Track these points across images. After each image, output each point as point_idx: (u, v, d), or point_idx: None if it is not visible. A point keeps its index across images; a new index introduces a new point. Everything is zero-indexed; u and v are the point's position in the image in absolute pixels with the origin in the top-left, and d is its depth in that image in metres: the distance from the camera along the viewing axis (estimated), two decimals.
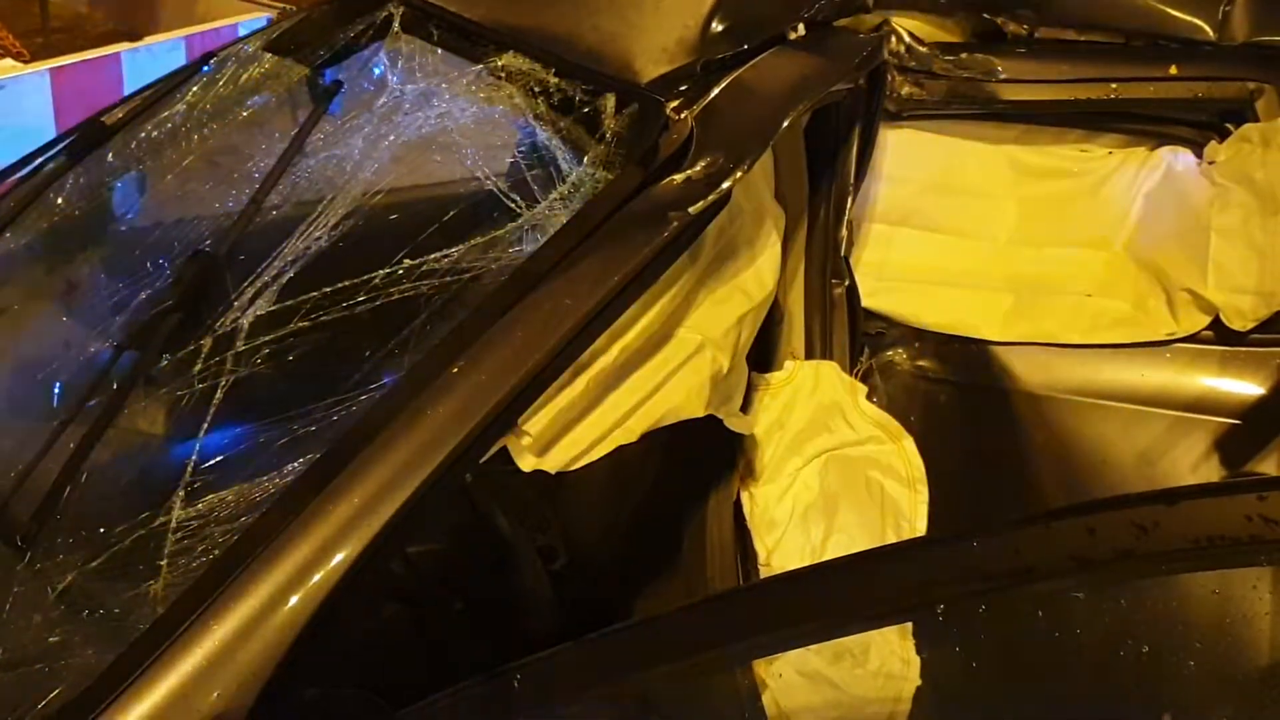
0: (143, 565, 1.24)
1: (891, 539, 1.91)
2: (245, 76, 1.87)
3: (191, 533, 1.25)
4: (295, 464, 1.26)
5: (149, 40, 4.21)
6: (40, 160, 1.93)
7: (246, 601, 1.14)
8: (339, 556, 1.15)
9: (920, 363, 2.25)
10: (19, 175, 1.94)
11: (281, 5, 4.76)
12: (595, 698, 1.08)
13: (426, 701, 1.09)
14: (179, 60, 4.19)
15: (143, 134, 1.87)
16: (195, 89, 1.91)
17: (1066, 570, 0.87)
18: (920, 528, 1.89)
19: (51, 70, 3.76)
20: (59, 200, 1.83)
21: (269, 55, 1.92)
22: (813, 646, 1.90)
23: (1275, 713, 1.23)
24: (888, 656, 1.90)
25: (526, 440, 1.35)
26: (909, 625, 1.92)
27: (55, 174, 1.87)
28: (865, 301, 2.13)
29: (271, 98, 1.79)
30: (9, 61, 4.47)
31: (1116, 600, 1.05)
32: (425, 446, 1.21)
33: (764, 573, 1.91)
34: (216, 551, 1.22)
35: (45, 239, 1.78)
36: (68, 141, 1.94)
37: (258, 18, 4.71)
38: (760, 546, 1.93)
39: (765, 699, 1.83)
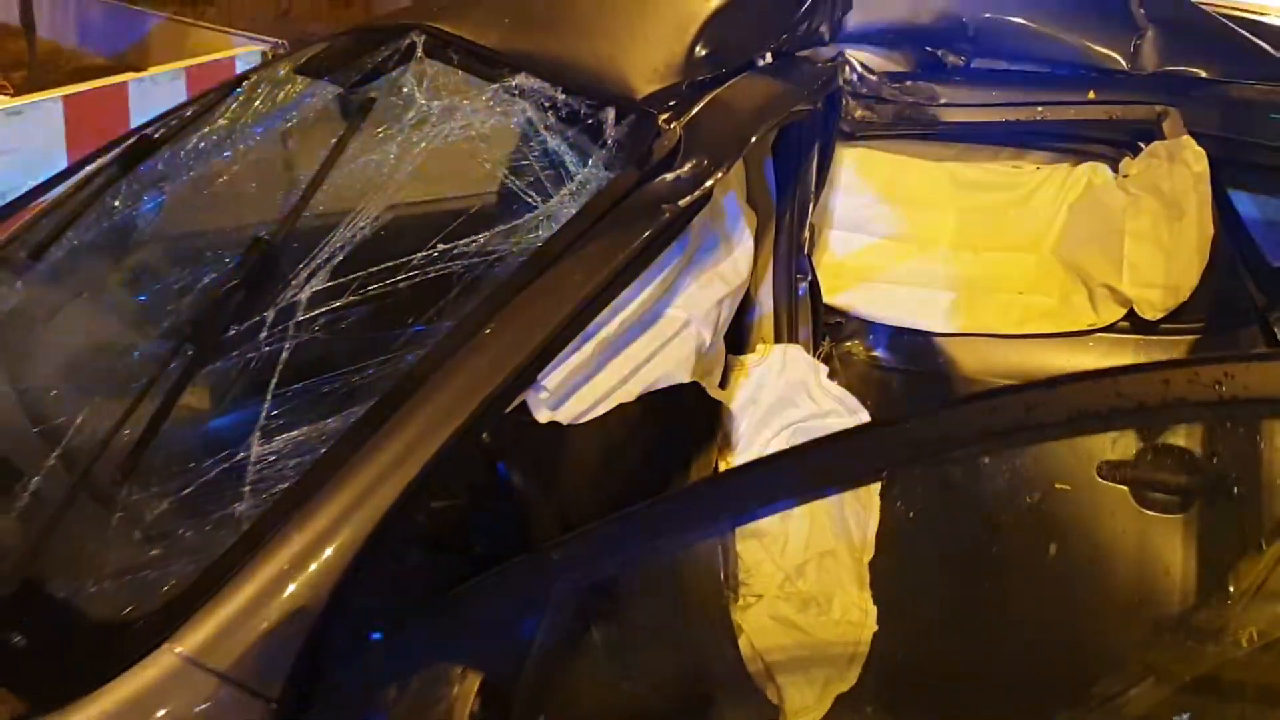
0: (228, 493, 1.48)
1: (849, 500, 2.16)
2: (281, 95, 2.12)
3: (269, 465, 1.48)
4: (355, 408, 1.50)
5: (153, 71, 4.44)
6: (92, 168, 2.16)
7: (320, 517, 1.36)
8: (398, 480, 1.39)
9: (874, 353, 2.51)
10: (70, 182, 2.17)
11: (273, 40, 5.03)
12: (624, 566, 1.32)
13: (480, 577, 1.33)
14: (180, 89, 4.44)
15: (189, 146, 2.11)
16: (234, 107, 2.15)
17: (975, 439, 1.13)
18: (874, 489, 2.15)
19: (64, 98, 3.98)
20: (115, 203, 2.06)
21: (300, 77, 2.17)
22: (781, 596, 2.15)
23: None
24: (849, 607, 2.15)
25: (544, 395, 1.59)
26: (867, 579, 2.18)
27: (109, 182, 2.10)
28: (825, 298, 2.40)
29: (309, 113, 2.04)
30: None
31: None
32: (465, 392, 1.45)
33: (738, 532, 2.16)
34: (293, 478, 1.44)
35: (108, 237, 2.01)
36: (117, 153, 2.17)
37: (251, 51, 4.98)
38: None
39: (742, 641, 2.07)
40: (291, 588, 1.34)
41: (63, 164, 3.84)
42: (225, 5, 11.41)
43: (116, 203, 2.05)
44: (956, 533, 2.12)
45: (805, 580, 2.13)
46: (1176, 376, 1.05)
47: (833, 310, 2.45)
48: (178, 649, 1.29)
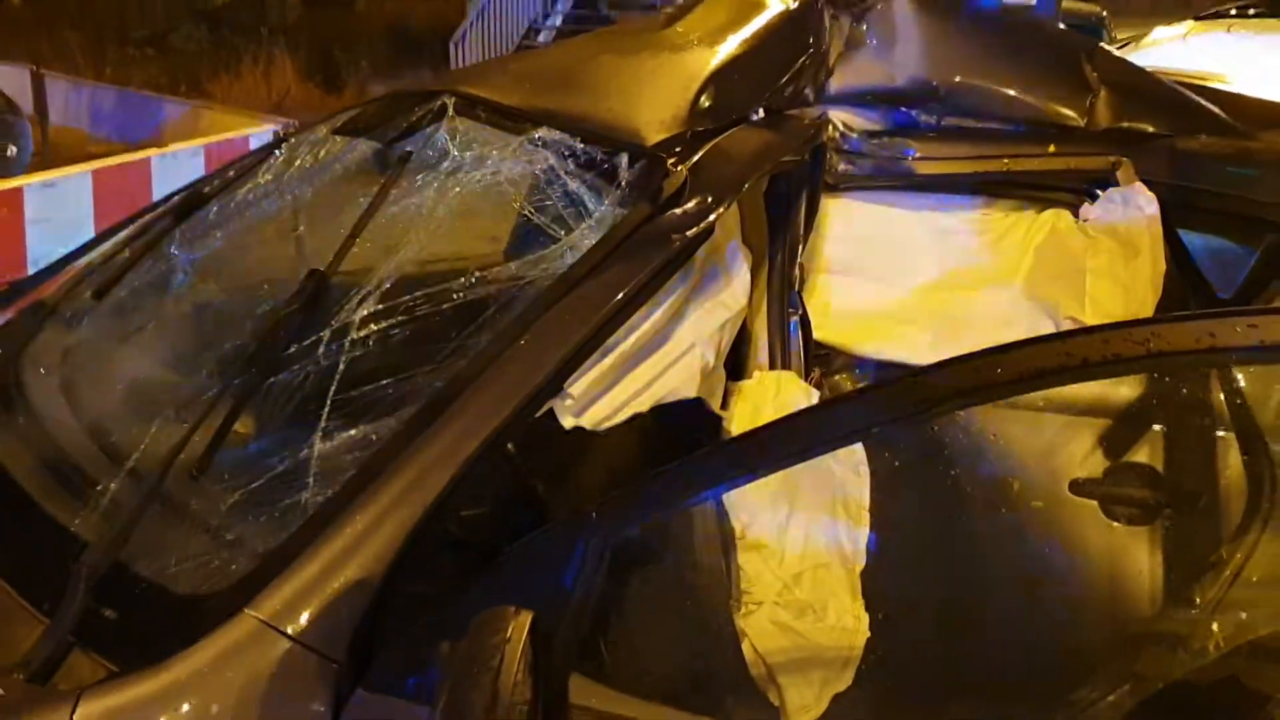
0: (294, 484, 1.66)
1: (841, 514, 2.34)
2: (323, 153, 2.35)
3: (330, 458, 1.68)
4: (403, 411, 1.70)
5: (174, 147, 4.69)
6: (150, 218, 2.38)
7: (379, 500, 1.55)
8: (447, 468, 1.58)
9: (861, 386, 2.71)
10: (129, 231, 2.38)
11: (284, 120, 5.30)
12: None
13: (529, 535, 1.51)
14: (200, 165, 4.69)
15: (238, 197, 2.33)
16: (277, 165, 2.38)
17: (950, 397, 1.34)
18: (865, 502, 2.33)
19: (93, 172, 4.22)
20: (173, 250, 2.27)
21: (338, 137, 2.40)
22: (780, 603, 2.31)
23: None
24: (843, 614, 2.32)
25: (569, 402, 1.79)
26: (859, 589, 2.35)
27: (165, 230, 2.32)
28: (814, 334, 2.61)
29: (351, 166, 2.26)
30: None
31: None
32: (503, 394, 1.65)
33: (740, 545, 2.33)
34: (354, 469, 1.63)
35: (167, 278, 2.22)
36: (173, 204, 2.39)
37: (263, 130, 5.24)
38: (737, 524, 2.35)
39: (745, 645, 2.24)
40: (354, 562, 1.52)
41: (91, 233, 4.07)
42: (222, 96, 11.79)
43: (174, 249, 2.26)
44: (939, 547, 2.31)
45: (802, 589, 2.29)
46: (1114, 337, 1.27)
47: (822, 346, 2.65)
48: (254, 614, 1.48)
